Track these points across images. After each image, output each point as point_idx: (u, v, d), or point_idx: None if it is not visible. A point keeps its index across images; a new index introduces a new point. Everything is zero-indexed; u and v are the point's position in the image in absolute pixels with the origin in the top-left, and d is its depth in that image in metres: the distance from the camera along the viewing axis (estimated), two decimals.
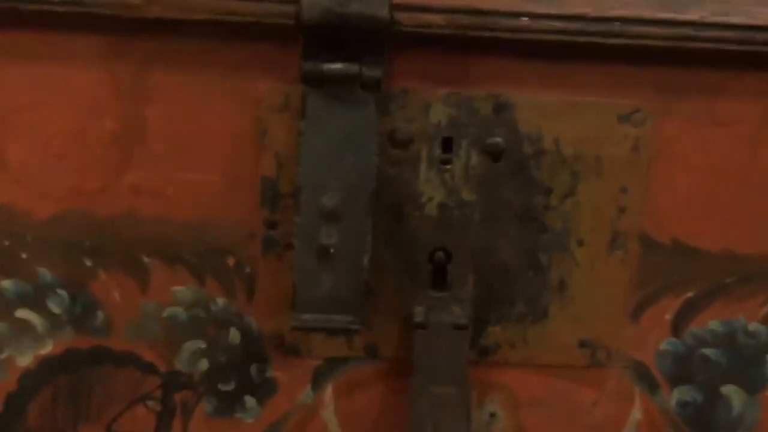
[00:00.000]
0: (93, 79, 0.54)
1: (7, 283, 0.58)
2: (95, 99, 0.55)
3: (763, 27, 0.51)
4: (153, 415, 0.60)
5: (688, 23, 0.52)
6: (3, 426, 0.59)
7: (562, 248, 0.58)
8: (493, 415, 0.61)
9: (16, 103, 0.55)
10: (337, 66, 0.51)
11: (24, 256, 0.57)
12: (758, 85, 0.55)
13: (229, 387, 0.60)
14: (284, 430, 0.61)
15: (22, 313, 0.58)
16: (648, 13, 0.51)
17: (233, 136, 0.55)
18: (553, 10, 0.51)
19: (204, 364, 0.59)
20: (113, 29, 0.53)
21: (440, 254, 0.57)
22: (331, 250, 0.53)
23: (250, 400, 0.60)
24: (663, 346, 0.60)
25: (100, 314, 0.58)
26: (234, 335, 0.59)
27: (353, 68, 0.51)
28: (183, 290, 0.58)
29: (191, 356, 0.59)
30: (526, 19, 0.51)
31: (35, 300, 0.58)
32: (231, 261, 0.58)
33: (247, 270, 0.58)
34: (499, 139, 0.56)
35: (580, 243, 0.58)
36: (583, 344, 0.59)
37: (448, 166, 0.56)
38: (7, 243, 0.57)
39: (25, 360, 0.59)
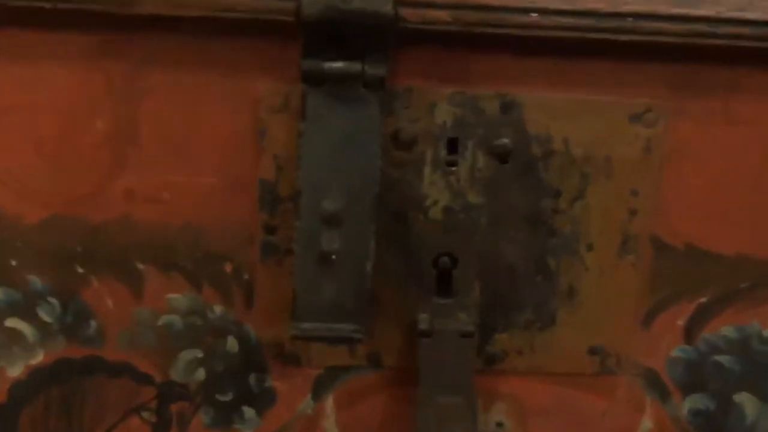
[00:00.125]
0: (84, 78, 0.54)
1: None
2: (87, 99, 0.54)
3: None
4: (148, 427, 0.60)
5: (703, 19, 0.51)
6: None
7: (571, 253, 0.57)
8: (500, 424, 0.61)
9: (4, 103, 0.54)
10: (338, 64, 0.51)
11: (13, 263, 0.57)
12: None
13: (227, 397, 0.60)
14: None
15: (11, 322, 0.58)
16: (662, 9, 0.51)
17: (231, 138, 0.55)
18: (564, 6, 0.51)
19: (201, 374, 0.59)
20: (105, 26, 0.53)
21: (445, 259, 0.57)
22: (333, 256, 0.53)
23: (248, 411, 0.60)
24: (675, 353, 0.60)
25: (92, 323, 0.58)
26: (232, 344, 0.59)
27: (355, 67, 0.51)
28: (179, 298, 0.58)
29: (188, 366, 0.59)
30: (536, 15, 0.51)
31: (25, 308, 0.58)
32: (229, 267, 0.57)
33: (246, 276, 0.58)
34: (506, 140, 0.55)
35: (590, 247, 0.57)
36: (592, 351, 0.59)
37: (453, 168, 0.56)
38: None
39: (15, 371, 0.59)
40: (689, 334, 0.60)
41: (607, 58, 0.54)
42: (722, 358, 0.60)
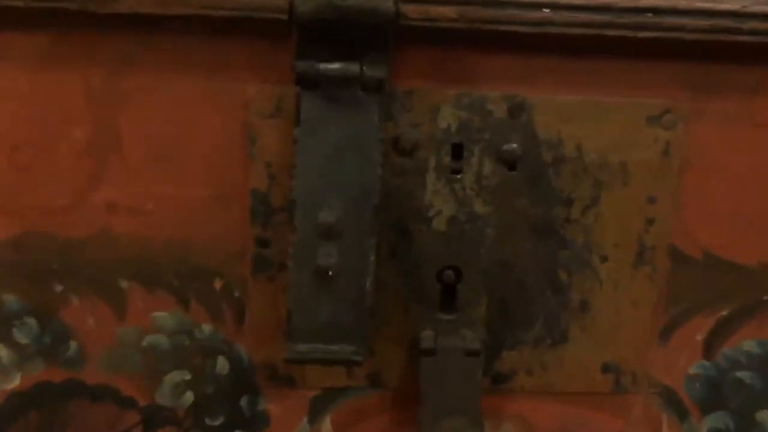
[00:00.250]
0: (60, 82, 0.53)
1: None
2: (63, 105, 0.54)
3: None
4: None
5: (727, 13, 0.51)
6: None
7: (583, 265, 0.57)
8: None
9: None
10: (334, 65, 0.50)
11: None
12: None
13: (218, 421, 0.59)
14: None
15: None
16: (684, 3, 0.51)
17: (219, 145, 0.55)
18: (578, 1, 0.50)
19: (189, 398, 0.59)
20: (82, 26, 0.52)
21: (450, 273, 0.56)
22: (330, 272, 0.52)
23: None
24: (693, 370, 0.60)
25: (72, 344, 0.58)
26: (222, 365, 0.58)
27: (353, 68, 0.50)
28: (164, 316, 0.58)
29: (174, 389, 0.59)
30: (548, 10, 0.50)
31: (0, 330, 0.57)
32: (218, 283, 0.57)
33: (236, 293, 0.57)
34: (514, 145, 0.55)
35: (604, 259, 0.57)
36: (606, 369, 0.59)
37: (458, 176, 0.55)
38: None
39: None
40: (709, 349, 0.59)
41: (624, 56, 0.53)
42: (743, 375, 0.60)
